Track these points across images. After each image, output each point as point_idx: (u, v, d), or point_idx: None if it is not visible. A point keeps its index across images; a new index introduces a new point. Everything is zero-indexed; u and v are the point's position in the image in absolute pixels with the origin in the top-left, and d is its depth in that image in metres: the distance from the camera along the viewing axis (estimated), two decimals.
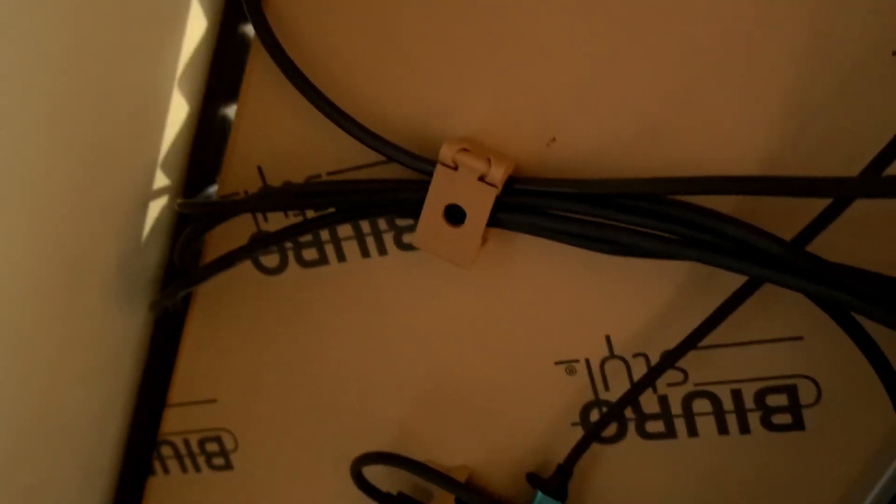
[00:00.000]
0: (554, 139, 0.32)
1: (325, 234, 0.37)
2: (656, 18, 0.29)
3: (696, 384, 0.34)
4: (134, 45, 0.33)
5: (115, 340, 0.41)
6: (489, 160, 0.31)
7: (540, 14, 0.31)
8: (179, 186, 0.40)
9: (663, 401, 0.35)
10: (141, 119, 0.35)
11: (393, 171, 0.35)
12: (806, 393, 0.33)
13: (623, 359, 0.35)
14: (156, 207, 0.39)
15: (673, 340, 0.33)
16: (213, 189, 0.39)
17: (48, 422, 0.38)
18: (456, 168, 0.32)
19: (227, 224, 0.37)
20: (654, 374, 0.34)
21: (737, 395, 0.34)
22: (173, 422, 0.44)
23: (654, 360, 0.34)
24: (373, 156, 0.35)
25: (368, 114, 0.34)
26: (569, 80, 0.31)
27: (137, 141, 0.36)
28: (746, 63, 0.29)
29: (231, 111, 0.39)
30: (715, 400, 0.34)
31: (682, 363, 0.34)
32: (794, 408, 0.33)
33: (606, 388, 0.35)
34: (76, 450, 0.41)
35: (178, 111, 0.37)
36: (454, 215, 0.33)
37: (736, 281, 0.31)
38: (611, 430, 0.36)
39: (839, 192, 0.26)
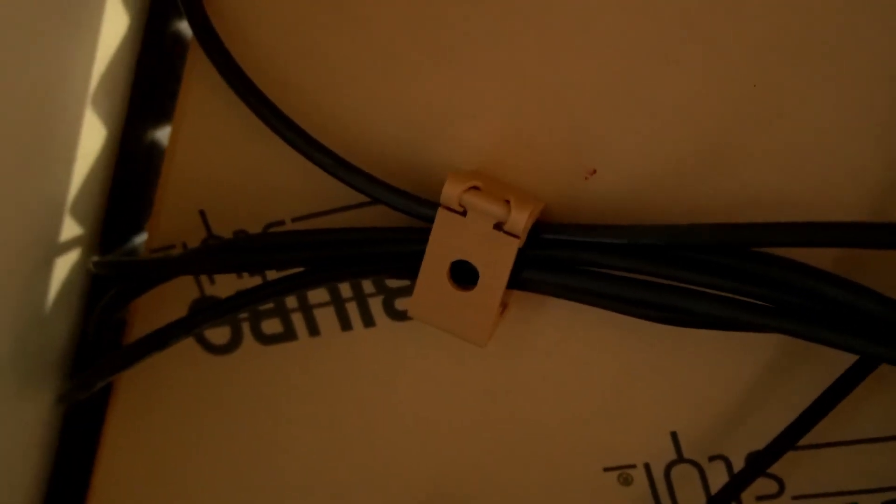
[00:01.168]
0: (594, 171, 0.33)
1: (291, 301, 0.38)
2: (726, 10, 0.30)
3: (794, 497, 0.34)
4: (30, 49, 0.33)
5: (9, 442, 0.41)
6: (508, 202, 0.31)
7: (576, 2, 0.31)
8: (94, 237, 0.40)
9: None
10: (41, 150, 0.36)
11: (381, 217, 0.35)
12: None
13: (695, 463, 0.35)
14: (63, 265, 0.39)
15: (761, 439, 0.33)
16: (139, 240, 0.40)
17: None
18: (464, 213, 0.32)
19: (160, 287, 0.38)
20: (738, 483, 0.34)
21: None
22: None
23: (738, 465, 0.35)
24: (353, 196, 0.35)
25: (346, 140, 0.35)
26: (613, 93, 0.32)
27: (36, 179, 0.36)
28: (850, 61, 0.30)
29: (163, 135, 0.39)
30: None
31: (774, 469, 0.34)
32: None
33: (674, 502, 0.36)
34: None
35: (92, 137, 0.38)
36: (463, 275, 0.33)
37: (844, 360, 0.31)
38: None
39: None
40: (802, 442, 0.33)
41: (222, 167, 0.37)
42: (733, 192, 0.31)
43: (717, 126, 0.31)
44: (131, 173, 0.39)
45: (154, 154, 0.39)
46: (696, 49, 0.31)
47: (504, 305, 0.34)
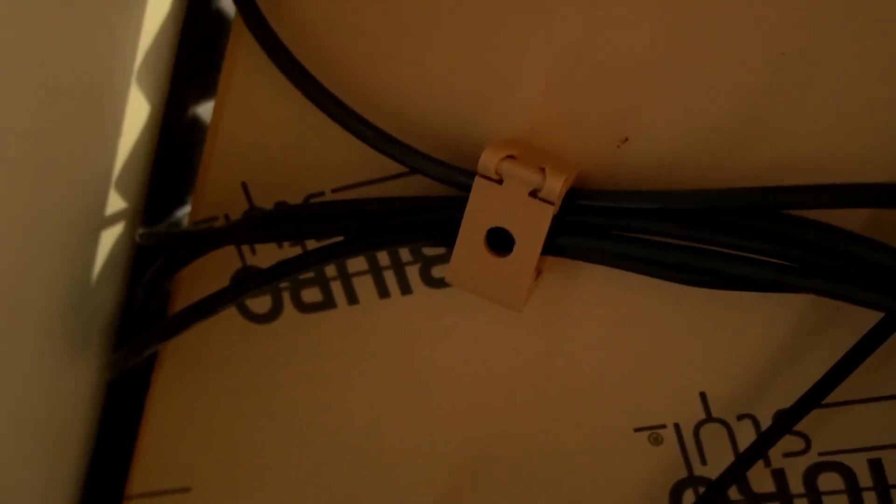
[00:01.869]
0: (627, 139, 0.33)
1: (330, 270, 0.39)
2: None
3: (821, 453, 0.35)
4: (77, 28, 0.34)
5: (56, 408, 0.42)
6: (543, 169, 0.32)
7: None
8: (139, 210, 0.41)
9: (779, 476, 0.36)
10: (89, 125, 0.37)
11: (418, 186, 0.36)
12: None
13: (724, 422, 0.36)
14: (109, 237, 0.40)
15: (789, 397, 0.34)
16: (183, 212, 0.41)
17: None
18: (500, 181, 0.32)
19: (203, 258, 0.38)
20: (765, 441, 0.35)
21: (876, 467, 0.35)
22: None
23: (766, 423, 0.35)
24: (392, 166, 0.36)
25: (385, 112, 0.35)
26: (647, 58, 0.32)
27: (85, 154, 0.37)
28: (884, 25, 0.30)
29: (206, 111, 0.40)
30: (847, 474, 0.35)
31: (801, 426, 0.35)
32: None
33: (703, 461, 0.37)
34: None
35: (137, 113, 0.39)
36: (499, 241, 0.34)
37: (871, 318, 0.32)
38: None
39: None
40: (829, 399, 0.33)
41: (264, 140, 0.37)
42: (767, 158, 0.32)
43: (750, 93, 0.32)
44: (175, 147, 0.40)
45: (197, 128, 0.40)
46: (731, 16, 0.31)
47: (539, 271, 0.34)
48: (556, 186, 0.32)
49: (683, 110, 0.32)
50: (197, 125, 0.40)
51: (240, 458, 0.42)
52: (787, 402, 0.34)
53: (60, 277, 0.38)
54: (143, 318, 0.40)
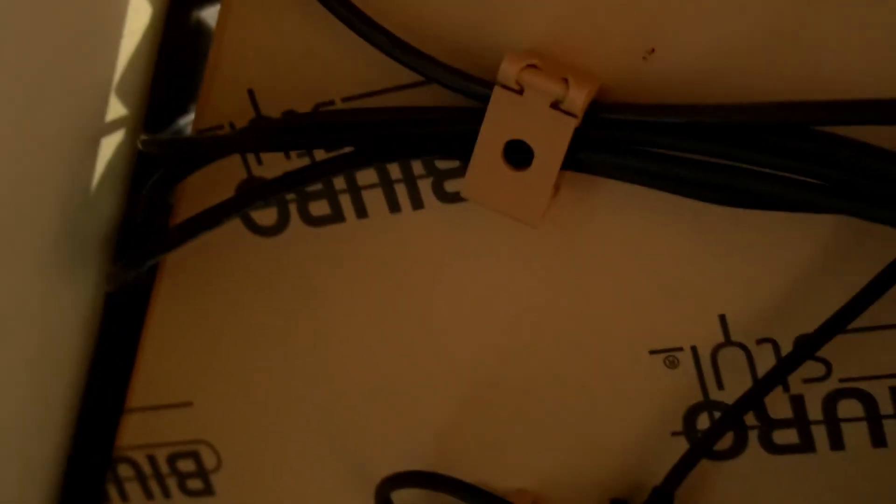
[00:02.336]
0: (652, 50, 0.32)
1: (339, 182, 0.38)
2: None
3: (842, 380, 0.35)
4: None
5: (55, 322, 0.41)
6: (566, 80, 0.31)
7: None
8: (140, 116, 0.40)
9: (797, 402, 0.35)
10: (88, 29, 0.36)
11: (433, 96, 0.35)
12: None
13: (743, 346, 0.35)
14: (109, 145, 0.39)
15: (811, 322, 0.33)
16: (186, 120, 0.40)
17: None
18: (521, 91, 0.32)
19: (207, 169, 0.37)
20: (785, 366, 0.34)
21: None
22: (134, 432, 0.45)
23: (786, 348, 0.35)
24: (405, 75, 0.35)
25: (399, 19, 0.34)
26: None
27: (84, 57, 0.36)
28: None
29: (211, 15, 0.39)
30: (868, 401, 0.34)
31: (823, 352, 0.34)
32: None
33: (720, 385, 0.36)
34: (1, 471, 0.42)
35: (139, 15, 0.37)
36: (517, 155, 0.33)
37: None
38: (726, 441, 0.37)
39: None
40: (852, 325, 0.33)
41: (272, 45, 0.36)
42: (800, 74, 0.31)
43: (782, 4, 0.30)
44: (178, 52, 0.39)
45: (201, 32, 0.39)
46: None
47: (558, 187, 0.33)
48: (579, 98, 0.31)
49: (712, 22, 0.31)
50: (201, 29, 0.39)
51: (242, 374, 0.42)
52: (809, 327, 0.34)
53: (59, 186, 0.38)
54: (144, 230, 0.39)
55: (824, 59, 0.31)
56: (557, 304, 0.37)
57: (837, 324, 0.33)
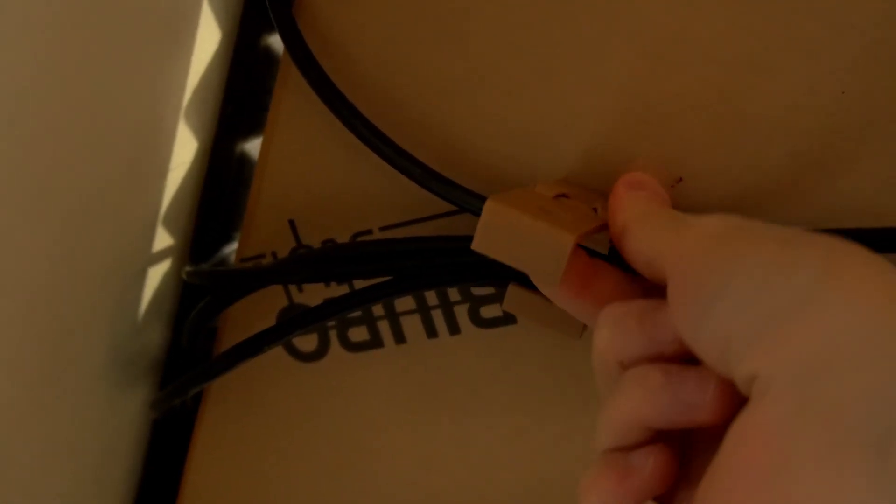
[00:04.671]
0: (680, 179, 0.33)
1: (377, 309, 0.38)
2: (819, 20, 0.30)
3: None
4: (127, 65, 0.34)
5: (103, 444, 0.42)
6: (596, 210, 0.31)
7: (661, 6, 0.31)
8: (186, 246, 0.41)
9: None
10: (137, 162, 0.37)
11: (467, 225, 0.36)
12: None
13: None
14: (156, 274, 0.40)
15: None
16: (229, 249, 0.41)
17: None
18: None
19: (250, 296, 0.38)
20: None
21: None
22: None
23: None
24: (440, 205, 0.35)
25: (433, 151, 0.35)
26: (704, 99, 0.32)
27: (133, 190, 0.37)
28: None
29: (253, 147, 0.40)
30: None
31: None
32: None
33: None
34: None
35: (185, 149, 0.39)
36: None
37: None
38: None
39: None
40: None
41: (312, 178, 0.37)
42: (826, 199, 0.31)
43: (808, 134, 0.31)
44: (222, 184, 0.40)
45: (244, 165, 0.40)
46: (788, 55, 0.30)
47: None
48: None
49: (739, 151, 0.32)
50: (244, 162, 0.40)
51: (286, 496, 0.42)
52: None
53: (108, 313, 0.38)
54: (189, 355, 0.40)
55: (848, 185, 0.31)
56: (595, 428, 0.36)
57: None
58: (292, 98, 0.37)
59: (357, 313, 0.38)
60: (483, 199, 0.33)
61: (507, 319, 0.36)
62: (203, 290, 0.39)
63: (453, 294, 0.37)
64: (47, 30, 0.28)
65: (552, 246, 0.26)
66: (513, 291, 0.34)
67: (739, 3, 0.30)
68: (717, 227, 0.24)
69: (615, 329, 0.25)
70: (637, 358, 0.25)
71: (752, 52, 0.31)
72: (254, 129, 0.40)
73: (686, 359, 0.24)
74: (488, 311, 0.37)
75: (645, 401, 0.24)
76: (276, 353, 0.40)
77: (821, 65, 0.30)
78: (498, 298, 0.35)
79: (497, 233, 0.27)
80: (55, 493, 0.40)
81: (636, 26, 0.32)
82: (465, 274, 0.35)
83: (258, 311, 0.40)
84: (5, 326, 0.33)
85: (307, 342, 0.40)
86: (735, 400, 0.23)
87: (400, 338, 0.38)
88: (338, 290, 0.38)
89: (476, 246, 0.28)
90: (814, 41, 0.30)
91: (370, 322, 0.38)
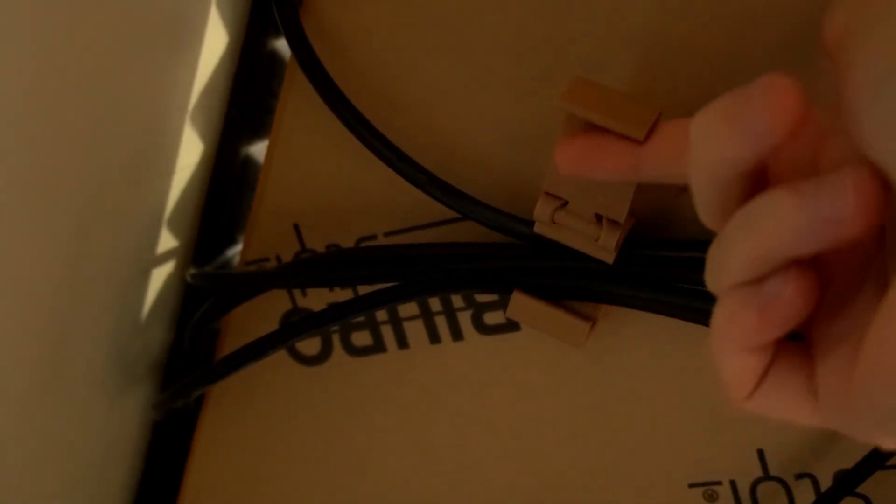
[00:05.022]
0: (685, 188, 0.33)
1: (381, 314, 0.38)
2: None
3: None
4: (133, 67, 0.34)
5: (104, 445, 0.42)
6: (601, 219, 0.31)
7: (658, 10, 0.31)
8: (190, 248, 0.41)
9: None
10: (142, 163, 0.37)
11: (472, 232, 0.36)
12: None
13: (782, 481, 0.35)
14: (160, 276, 0.40)
15: (850, 458, 0.33)
16: (233, 252, 0.41)
17: None
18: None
19: (254, 299, 0.38)
20: (825, 502, 0.34)
21: None
22: None
23: (825, 483, 0.34)
24: (445, 212, 0.35)
25: (437, 157, 0.35)
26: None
27: (137, 192, 0.37)
28: None
29: (258, 151, 0.40)
30: None
31: (863, 488, 0.34)
32: None
33: None
34: None
35: (190, 152, 0.39)
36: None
37: None
38: None
39: None
40: (892, 460, 0.33)
41: (317, 182, 0.37)
42: None
43: None
44: (227, 187, 0.40)
45: (249, 168, 0.40)
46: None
47: (594, 320, 0.34)
48: (612, 238, 0.31)
49: None
50: (249, 165, 0.40)
51: (287, 500, 0.42)
52: (848, 462, 0.34)
53: (111, 314, 0.39)
54: (191, 358, 0.40)
55: None
56: (596, 435, 0.37)
57: (877, 459, 0.32)
58: (298, 102, 0.37)
59: (360, 318, 0.38)
60: (488, 207, 0.33)
61: (511, 326, 0.37)
62: (206, 293, 0.39)
63: (457, 300, 0.37)
64: (53, 31, 0.29)
65: None
66: (517, 298, 0.34)
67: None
68: None
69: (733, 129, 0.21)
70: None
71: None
72: (259, 132, 0.40)
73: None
74: (492, 318, 0.37)
75: (780, 228, 0.21)
76: (279, 356, 0.40)
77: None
78: (501, 305, 0.36)
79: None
80: (55, 493, 0.40)
81: (636, 31, 0.32)
82: (469, 280, 0.35)
83: (261, 314, 0.40)
84: (7, 326, 0.33)
85: (310, 346, 0.40)
86: (887, 202, 0.20)
87: (403, 343, 0.38)
88: (342, 294, 0.38)
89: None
90: None
91: (373, 327, 0.38)
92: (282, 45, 0.39)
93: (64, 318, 0.36)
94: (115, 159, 0.35)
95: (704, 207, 0.24)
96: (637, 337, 0.35)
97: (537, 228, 0.32)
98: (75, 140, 0.32)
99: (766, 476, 0.35)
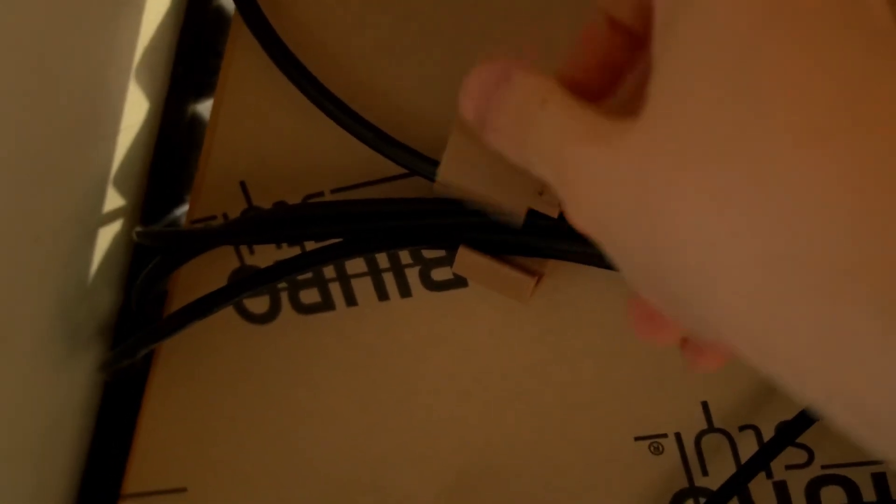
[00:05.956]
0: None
1: (329, 272, 0.38)
2: None
3: (824, 466, 0.35)
4: (75, 23, 0.34)
5: (51, 409, 0.42)
6: None
7: None
8: (137, 208, 0.41)
9: (781, 488, 0.36)
10: (87, 121, 0.37)
11: (418, 188, 0.36)
12: None
13: (726, 433, 0.35)
14: (106, 235, 0.40)
15: (791, 409, 0.34)
16: (181, 211, 0.41)
17: None
18: None
19: (200, 257, 0.38)
20: (768, 453, 0.34)
21: (880, 481, 0.34)
22: None
23: (768, 434, 0.35)
24: (391, 167, 0.36)
25: (384, 113, 0.35)
26: None
27: (82, 151, 0.37)
28: None
29: (204, 109, 0.40)
30: (850, 488, 0.35)
31: (805, 439, 0.34)
32: None
33: (704, 471, 0.36)
34: None
35: (135, 110, 0.38)
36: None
37: None
38: None
39: None
40: None
41: (263, 139, 0.37)
42: None
43: None
44: (173, 145, 0.40)
45: (195, 126, 0.40)
46: None
47: (540, 276, 0.34)
48: (555, 195, 0.31)
49: None
50: (195, 123, 0.40)
51: (236, 459, 0.42)
52: (789, 413, 0.34)
53: (56, 275, 0.38)
54: (140, 318, 0.40)
55: None
56: (542, 391, 0.37)
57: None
58: (243, 59, 0.37)
59: (308, 275, 0.38)
60: (435, 162, 0.33)
61: (459, 282, 0.37)
62: (154, 252, 0.39)
63: (404, 257, 0.37)
64: None
65: None
66: (463, 254, 0.34)
67: None
68: None
69: None
70: None
71: None
72: (205, 90, 0.39)
73: None
74: (439, 274, 0.37)
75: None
76: (227, 314, 0.40)
77: None
78: (449, 261, 0.36)
79: None
80: (1, 458, 0.40)
81: None
82: (417, 237, 0.35)
83: (209, 274, 0.40)
84: None
85: (258, 304, 0.40)
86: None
87: (351, 300, 0.38)
88: (289, 251, 0.38)
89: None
90: None
91: (321, 284, 0.38)
92: (227, 1, 0.38)
93: (7, 280, 0.36)
94: (57, 118, 0.35)
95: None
96: (583, 293, 0.35)
97: None
98: (14, 98, 0.32)
99: (711, 428, 0.35)
